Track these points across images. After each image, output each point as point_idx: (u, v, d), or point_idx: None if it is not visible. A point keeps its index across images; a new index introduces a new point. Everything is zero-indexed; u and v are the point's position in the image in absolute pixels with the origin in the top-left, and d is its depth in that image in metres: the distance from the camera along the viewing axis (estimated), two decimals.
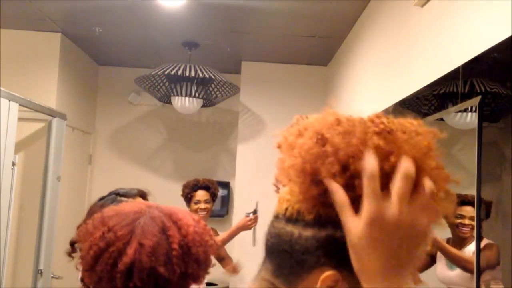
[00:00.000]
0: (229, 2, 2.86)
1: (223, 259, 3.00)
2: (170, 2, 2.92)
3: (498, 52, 1.28)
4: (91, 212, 1.42)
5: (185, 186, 3.02)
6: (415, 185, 0.52)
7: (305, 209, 0.57)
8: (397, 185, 0.51)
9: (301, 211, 0.58)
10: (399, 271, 0.52)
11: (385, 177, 0.52)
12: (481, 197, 1.31)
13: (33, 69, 3.49)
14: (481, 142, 1.32)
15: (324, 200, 0.55)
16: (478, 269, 1.29)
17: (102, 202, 1.51)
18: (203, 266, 0.96)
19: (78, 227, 1.12)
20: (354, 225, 0.52)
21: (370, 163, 0.51)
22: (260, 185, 2.80)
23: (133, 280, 0.87)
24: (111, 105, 4.48)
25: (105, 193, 1.59)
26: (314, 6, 2.85)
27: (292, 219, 0.58)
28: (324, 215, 0.56)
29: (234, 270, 2.95)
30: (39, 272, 3.09)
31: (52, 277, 3.23)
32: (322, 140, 0.54)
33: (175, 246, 0.91)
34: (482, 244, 1.34)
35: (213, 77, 3.44)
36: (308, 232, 0.57)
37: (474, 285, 1.36)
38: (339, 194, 0.52)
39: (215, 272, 1.66)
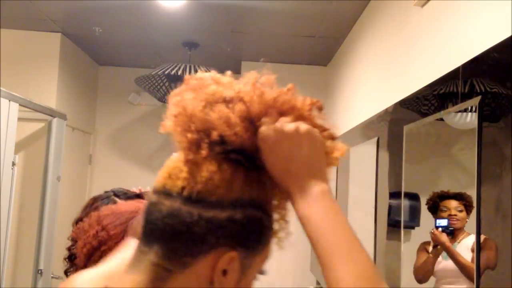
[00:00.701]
0: (229, 2, 2.86)
1: None
2: (170, 2, 2.92)
3: (498, 52, 1.28)
4: (85, 206, 1.42)
5: None
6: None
7: (206, 190, 0.57)
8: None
9: (202, 192, 0.57)
10: (320, 168, 0.63)
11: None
12: (481, 196, 1.31)
13: (33, 69, 3.49)
14: (481, 142, 1.32)
15: (225, 180, 0.58)
16: (478, 270, 1.29)
17: (97, 196, 1.50)
18: None
19: (73, 223, 1.13)
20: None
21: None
22: None
23: None
24: (111, 105, 4.48)
25: None
26: (314, 6, 2.85)
27: (191, 200, 0.57)
28: (227, 196, 0.57)
29: None
30: (39, 272, 3.10)
31: (52, 277, 3.23)
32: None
33: None
34: (473, 239, 1.35)
35: None
36: (209, 213, 0.56)
37: (463, 276, 1.47)
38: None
39: None
